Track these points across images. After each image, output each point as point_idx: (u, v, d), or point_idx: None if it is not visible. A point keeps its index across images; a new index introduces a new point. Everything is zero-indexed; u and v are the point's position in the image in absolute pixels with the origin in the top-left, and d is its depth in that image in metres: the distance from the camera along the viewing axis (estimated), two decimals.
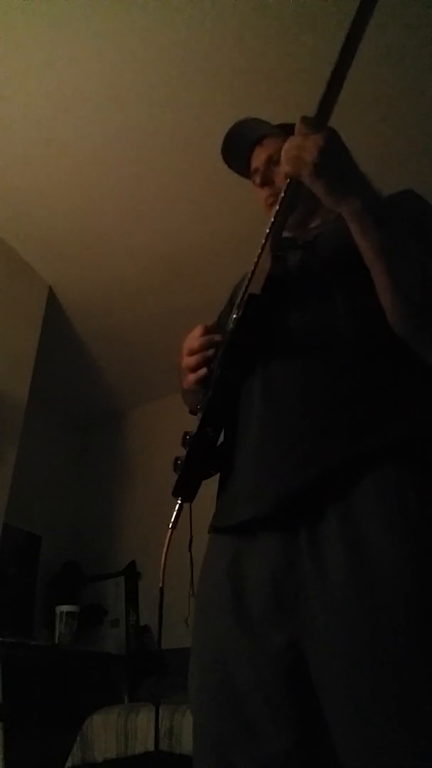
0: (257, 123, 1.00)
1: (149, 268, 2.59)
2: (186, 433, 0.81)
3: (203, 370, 0.83)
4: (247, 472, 0.75)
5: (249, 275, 0.82)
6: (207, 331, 0.85)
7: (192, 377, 0.84)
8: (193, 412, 0.84)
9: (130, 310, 2.82)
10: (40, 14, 1.66)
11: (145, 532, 2.76)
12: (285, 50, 1.76)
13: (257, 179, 1.01)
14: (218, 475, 0.84)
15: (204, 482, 0.83)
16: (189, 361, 0.85)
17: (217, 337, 0.83)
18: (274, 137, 0.98)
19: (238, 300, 0.82)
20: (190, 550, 0.84)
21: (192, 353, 0.85)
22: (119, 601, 2.90)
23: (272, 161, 0.98)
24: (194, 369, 0.84)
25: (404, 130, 1.99)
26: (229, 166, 1.06)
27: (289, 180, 0.77)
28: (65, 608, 2.54)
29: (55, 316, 2.73)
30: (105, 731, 1.95)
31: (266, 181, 1.00)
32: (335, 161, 0.72)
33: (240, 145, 1.03)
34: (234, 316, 0.80)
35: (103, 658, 2.69)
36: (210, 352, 0.83)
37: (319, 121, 0.73)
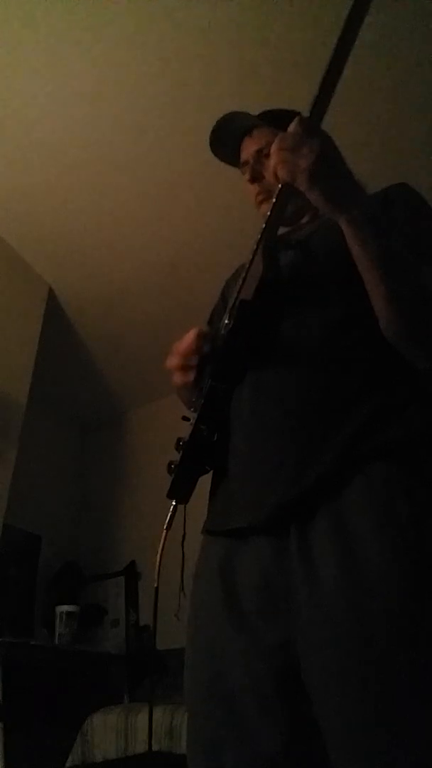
0: (246, 116, 0.99)
1: (149, 268, 2.58)
2: (179, 439, 0.81)
3: (189, 377, 0.83)
4: (242, 478, 0.75)
5: (242, 276, 0.81)
6: (200, 337, 0.84)
7: (177, 379, 0.85)
8: (189, 407, 0.84)
9: (130, 310, 2.82)
10: (33, 17, 1.66)
11: (145, 532, 2.75)
12: (283, 49, 1.76)
13: (247, 174, 1.00)
14: (211, 474, 0.84)
15: (198, 483, 0.84)
16: (171, 361, 0.85)
17: (206, 349, 0.83)
18: (264, 128, 0.98)
19: (230, 305, 0.81)
20: (182, 546, 0.84)
21: (177, 355, 0.85)
22: (119, 601, 2.90)
23: (262, 154, 0.97)
24: (176, 369, 0.85)
25: (404, 126, 1.99)
26: (217, 156, 1.05)
27: (281, 186, 0.76)
28: (65, 608, 2.54)
29: (55, 316, 2.73)
30: (105, 731, 1.95)
31: (256, 177, 0.98)
32: (332, 168, 0.71)
33: (229, 135, 1.02)
34: (226, 322, 0.80)
35: (103, 658, 2.70)
36: (194, 360, 0.83)
37: (313, 122, 0.72)
